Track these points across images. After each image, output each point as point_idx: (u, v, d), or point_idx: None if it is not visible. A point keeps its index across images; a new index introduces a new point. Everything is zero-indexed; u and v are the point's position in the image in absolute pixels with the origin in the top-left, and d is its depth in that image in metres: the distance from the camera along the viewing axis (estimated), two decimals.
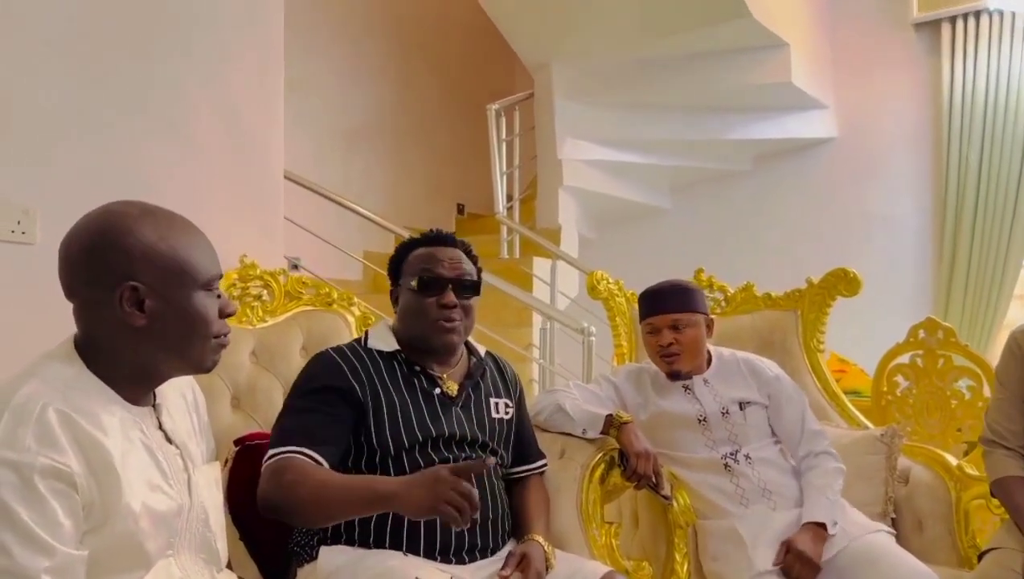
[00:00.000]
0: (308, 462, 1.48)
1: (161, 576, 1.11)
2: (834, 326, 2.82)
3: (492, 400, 1.74)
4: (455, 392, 1.69)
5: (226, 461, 1.75)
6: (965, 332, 4.56)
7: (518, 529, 1.69)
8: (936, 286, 4.83)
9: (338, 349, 1.68)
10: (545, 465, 1.85)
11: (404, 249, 1.75)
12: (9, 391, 1.02)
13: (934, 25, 4.88)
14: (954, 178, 4.73)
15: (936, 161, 4.87)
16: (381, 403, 1.60)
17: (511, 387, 1.82)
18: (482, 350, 1.83)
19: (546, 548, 1.61)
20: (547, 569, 1.58)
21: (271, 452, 1.51)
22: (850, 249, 4.87)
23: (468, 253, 1.75)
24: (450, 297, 1.65)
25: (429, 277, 1.66)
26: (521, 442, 1.82)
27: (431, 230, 1.77)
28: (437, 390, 1.67)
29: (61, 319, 1.15)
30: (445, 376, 1.70)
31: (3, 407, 0.99)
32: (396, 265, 1.75)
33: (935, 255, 4.86)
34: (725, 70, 4.77)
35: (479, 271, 1.76)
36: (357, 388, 1.59)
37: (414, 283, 1.66)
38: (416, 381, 1.66)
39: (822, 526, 1.86)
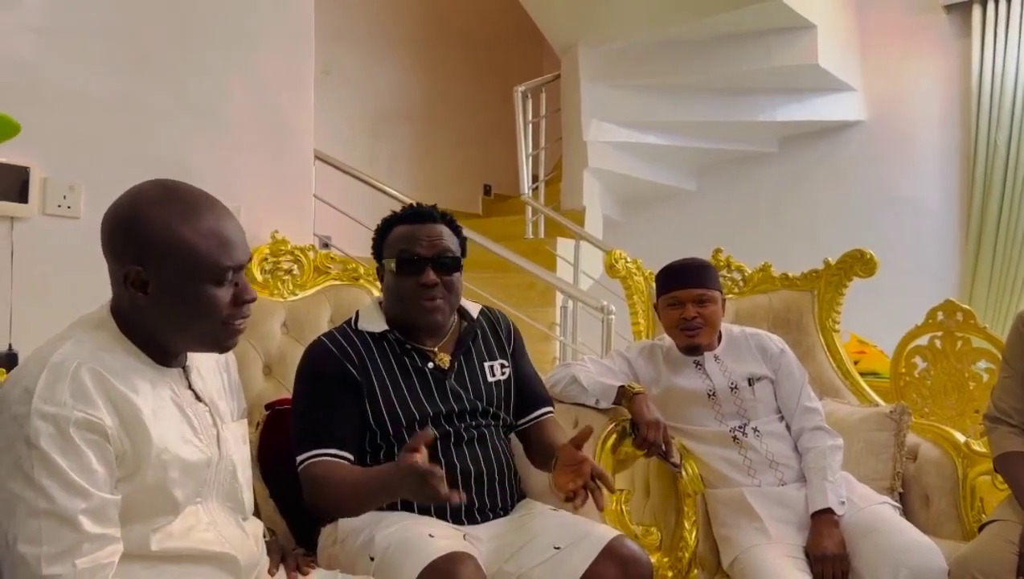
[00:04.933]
0: (332, 462, 1.55)
1: (189, 521, 1.20)
2: (860, 308, 2.83)
3: (486, 364, 1.75)
4: (447, 364, 1.70)
5: (258, 424, 1.85)
6: (990, 315, 4.52)
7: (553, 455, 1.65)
8: (962, 269, 4.79)
9: (330, 335, 1.70)
10: (551, 411, 1.85)
11: (386, 226, 1.71)
12: (48, 351, 1.11)
13: (965, 7, 4.81)
14: (982, 161, 4.66)
15: (964, 144, 4.81)
16: (375, 385, 1.63)
17: (505, 343, 1.81)
18: (475, 310, 1.80)
19: None
20: None
21: (299, 458, 1.57)
22: (877, 232, 4.79)
23: (452, 226, 1.71)
24: (429, 277, 1.62)
25: (407, 257, 1.63)
26: (526, 392, 1.82)
27: (411, 205, 1.72)
28: (430, 365, 1.68)
29: (102, 287, 1.23)
30: (437, 349, 1.71)
31: (42, 365, 1.08)
32: (379, 243, 1.71)
33: (962, 238, 4.81)
34: (751, 52, 4.75)
35: (464, 242, 1.72)
36: (353, 372, 1.62)
37: (393, 265, 1.64)
38: (407, 359, 1.67)
39: (830, 510, 1.89)
